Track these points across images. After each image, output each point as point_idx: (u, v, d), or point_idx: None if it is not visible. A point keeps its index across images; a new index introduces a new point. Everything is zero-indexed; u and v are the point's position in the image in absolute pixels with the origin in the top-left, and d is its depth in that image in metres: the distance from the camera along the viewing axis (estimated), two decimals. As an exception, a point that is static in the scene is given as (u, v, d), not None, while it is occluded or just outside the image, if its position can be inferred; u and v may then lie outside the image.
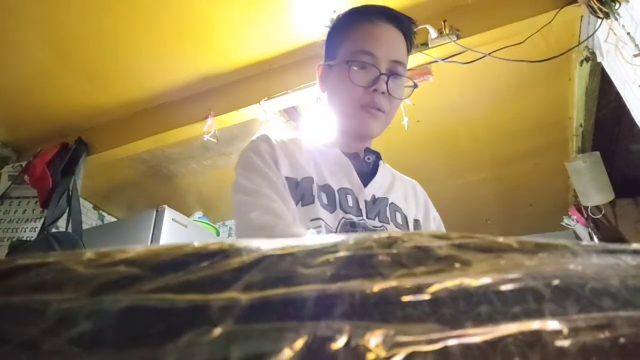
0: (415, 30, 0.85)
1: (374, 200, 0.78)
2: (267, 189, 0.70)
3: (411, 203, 0.87)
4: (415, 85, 0.85)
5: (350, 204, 0.75)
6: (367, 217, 0.75)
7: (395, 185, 0.85)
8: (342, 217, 0.72)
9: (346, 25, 0.84)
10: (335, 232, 0.70)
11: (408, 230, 0.80)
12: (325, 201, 0.74)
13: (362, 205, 0.76)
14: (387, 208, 0.79)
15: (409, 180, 0.93)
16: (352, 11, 0.85)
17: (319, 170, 0.78)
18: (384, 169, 0.87)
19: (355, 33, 0.81)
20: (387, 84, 0.77)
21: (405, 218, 0.81)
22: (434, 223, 0.89)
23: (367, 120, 0.79)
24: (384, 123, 0.81)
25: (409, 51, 0.84)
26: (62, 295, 0.16)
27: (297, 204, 0.72)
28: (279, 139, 0.83)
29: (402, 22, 0.82)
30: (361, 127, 0.81)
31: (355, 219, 0.73)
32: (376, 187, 0.81)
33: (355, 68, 0.78)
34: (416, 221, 0.84)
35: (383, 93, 0.77)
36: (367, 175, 0.82)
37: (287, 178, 0.74)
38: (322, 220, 0.70)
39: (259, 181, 0.71)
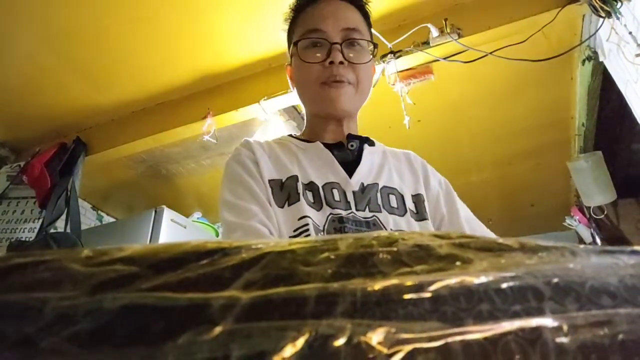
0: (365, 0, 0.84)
1: (363, 189, 0.76)
2: (251, 202, 0.70)
3: (407, 178, 0.83)
4: (375, 46, 0.82)
5: (337, 198, 0.73)
6: (357, 209, 0.72)
7: (385, 165, 0.82)
8: (330, 214, 0.71)
9: (293, 18, 0.85)
10: (323, 229, 0.69)
11: (405, 210, 0.76)
12: (311, 200, 0.72)
13: (350, 198, 0.74)
14: (379, 194, 0.76)
15: (402, 153, 0.89)
16: (295, 3, 0.85)
17: (302, 169, 0.77)
18: (372, 151, 0.83)
19: (300, 20, 0.82)
20: (342, 52, 0.75)
21: (401, 198, 0.78)
22: (440, 186, 0.84)
23: (330, 94, 0.76)
24: (353, 94, 0.78)
25: (366, 19, 0.83)
26: (60, 293, 0.16)
27: (282, 206, 0.71)
28: (262, 142, 0.82)
29: None
30: (328, 103, 0.77)
31: (343, 213, 0.71)
32: (363, 175, 0.77)
33: (305, 48, 0.77)
34: (415, 196, 0.80)
35: (342, 63, 0.75)
36: (353, 163, 0.79)
37: (271, 180, 0.73)
38: (310, 217, 0.69)
39: (243, 194, 0.71)
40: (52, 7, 1.73)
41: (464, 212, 0.83)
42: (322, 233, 0.69)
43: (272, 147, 0.81)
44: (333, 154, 0.79)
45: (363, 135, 0.85)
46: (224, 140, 2.32)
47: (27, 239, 2.06)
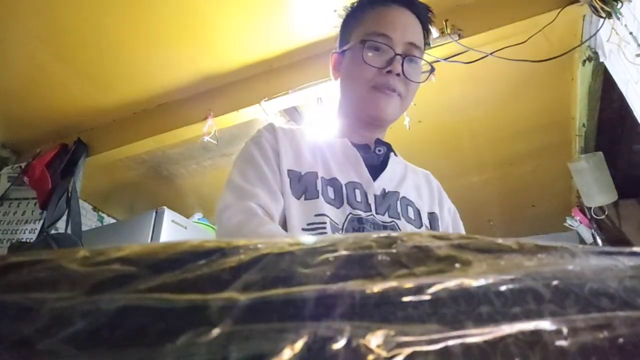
0: (431, 17, 0.84)
1: (384, 194, 0.76)
2: (257, 186, 0.69)
3: (425, 196, 0.84)
4: (433, 69, 0.83)
5: (359, 198, 0.73)
6: (377, 213, 0.73)
7: (407, 178, 0.83)
8: (350, 213, 0.70)
9: (360, 11, 0.83)
10: (342, 228, 0.69)
11: (421, 224, 0.78)
12: (331, 196, 0.72)
13: (371, 200, 0.74)
14: (398, 203, 0.76)
15: (422, 172, 0.90)
16: None
17: (326, 163, 0.76)
18: (396, 161, 0.84)
19: (369, 16, 0.80)
20: (402, 65, 0.75)
21: (418, 212, 0.79)
22: (449, 214, 0.86)
23: (379, 100, 0.76)
24: (399, 107, 0.79)
25: (425, 38, 0.83)
26: (57, 293, 0.15)
27: (299, 198, 0.70)
28: (287, 129, 0.81)
29: (418, 7, 0.81)
30: (374, 108, 0.77)
31: (363, 214, 0.71)
32: (386, 181, 0.78)
33: (369, 49, 0.76)
34: (431, 214, 0.81)
35: (398, 75, 0.75)
36: (377, 168, 0.79)
37: (289, 170, 0.72)
38: (327, 216, 0.68)
39: (252, 176, 0.71)
40: (52, 8, 1.73)
41: None
42: (340, 231, 0.68)
43: (296, 136, 0.80)
44: (360, 154, 0.79)
45: (387, 142, 0.85)
46: (224, 141, 2.32)
47: (28, 240, 2.07)
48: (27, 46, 1.88)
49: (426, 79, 0.83)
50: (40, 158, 2.23)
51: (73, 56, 1.96)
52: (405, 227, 0.74)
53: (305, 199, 0.70)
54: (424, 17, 0.82)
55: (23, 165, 2.31)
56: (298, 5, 1.79)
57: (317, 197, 0.70)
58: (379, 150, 0.82)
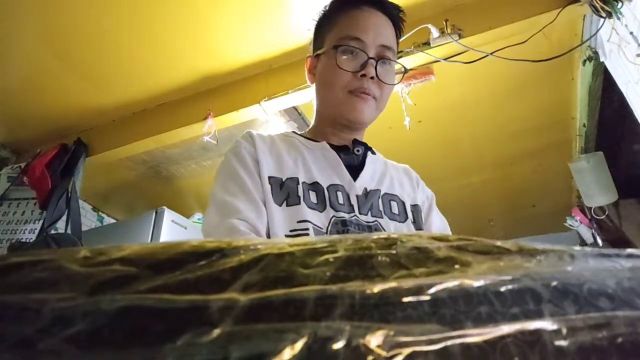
0: (402, 17, 0.85)
1: (366, 193, 0.77)
2: (239, 199, 0.69)
3: (407, 188, 0.85)
4: (406, 70, 0.83)
5: (341, 200, 0.74)
6: (360, 213, 0.73)
7: (387, 174, 0.84)
8: (333, 216, 0.71)
9: (332, 14, 0.84)
10: (326, 231, 0.69)
11: (406, 217, 0.79)
12: (314, 200, 0.72)
13: (354, 201, 0.74)
14: (380, 200, 0.77)
15: (401, 166, 0.92)
16: (338, 0, 0.84)
17: (307, 168, 0.76)
18: (374, 159, 0.85)
19: (341, 20, 0.81)
20: (376, 68, 0.77)
21: (402, 205, 0.80)
22: (427, 200, 0.87)
23: (356, 104, 0.78)
24: (374, 109, 0.80)
25: (398, 38, 0.84)
26: (58, 294, 0.16)
27: (281, 204, 0.70)
28: (265, 136, 0.82)
29: (388, 8, 0.82)
30: (351, 112, 0.79)
31: (346, 216, 0.72)
32: (367, 180, 0.79)
33: (343, 53, 0.77)
34: (414, 206, 0.82)
35: (372, 78, 0.76)
36: (357, 168, 0.80)
37: (271, 177, 0.73)
38: (310, 222, 0.69)
39: (234, 189, 0.71)
40: (52, 8, 1.73)
41: (438, 223, 0.85)
42: (325, 235, 0.69)
43: (275, 142, 0.80)
44: (339, 156, 0.79)
45: (364, 142, 0.86)
46: (224, 141, 2.32)
47: (27, 240, 2.07)
48: (27, 47, 1.88)
49: (400, 81, 0.84)
50: (40, 158, 2.23)
51: (73, 56, 1.96)
52: (388, 224, 0.75)
53: (287, 205, 0.70)
54: (395, 18, 0.83)
55: (23, 165, 2.31)
56: (298, 5, 1.79)
57: (299, 203, 0.70)
58: (358, 151, 0.83)
